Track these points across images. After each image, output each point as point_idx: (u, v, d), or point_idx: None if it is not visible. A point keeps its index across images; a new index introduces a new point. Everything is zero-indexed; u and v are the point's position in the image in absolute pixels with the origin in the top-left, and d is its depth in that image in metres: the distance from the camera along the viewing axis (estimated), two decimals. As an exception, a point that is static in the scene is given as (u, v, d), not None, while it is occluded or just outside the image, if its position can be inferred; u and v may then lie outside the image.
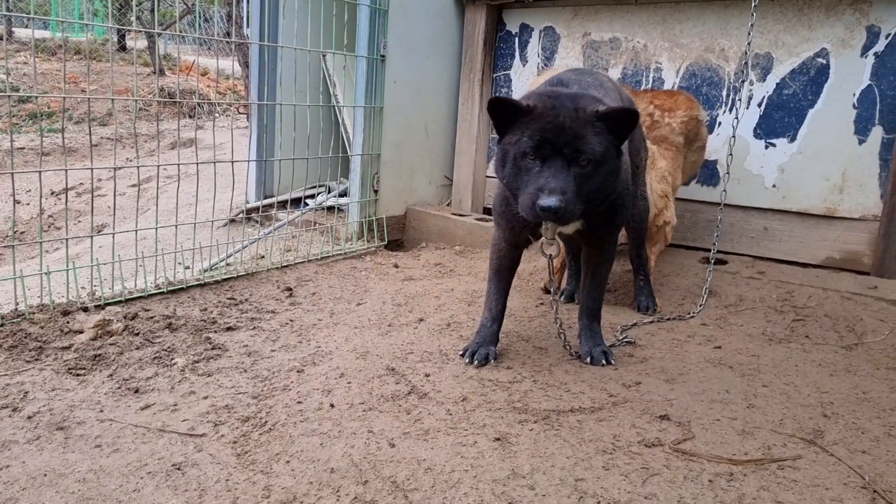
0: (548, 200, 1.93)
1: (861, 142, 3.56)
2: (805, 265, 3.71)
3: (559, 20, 4.40)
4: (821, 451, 1.87)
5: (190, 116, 8.30)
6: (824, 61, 3.62)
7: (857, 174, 3.58)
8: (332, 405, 2.04)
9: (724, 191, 3.20)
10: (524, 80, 4.51)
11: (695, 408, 2.10)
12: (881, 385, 2.34)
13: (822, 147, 3.66)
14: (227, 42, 9.47)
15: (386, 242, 4.24)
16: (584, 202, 2.04)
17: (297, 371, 2.31)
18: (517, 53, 4.59)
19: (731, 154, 3.19)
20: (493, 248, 2.50)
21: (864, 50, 3.53)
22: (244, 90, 6.95)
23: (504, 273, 2.51)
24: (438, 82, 4.61)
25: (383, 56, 4.13)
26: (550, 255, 2.31)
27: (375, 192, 4.29)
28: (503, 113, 2.07)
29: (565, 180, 1.97)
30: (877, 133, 3.52)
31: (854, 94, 3.56)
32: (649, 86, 4.10)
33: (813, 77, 3.66)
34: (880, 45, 3.49)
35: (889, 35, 3.46)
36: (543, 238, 2.26)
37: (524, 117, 2.05)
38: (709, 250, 3.65)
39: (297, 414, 1.99)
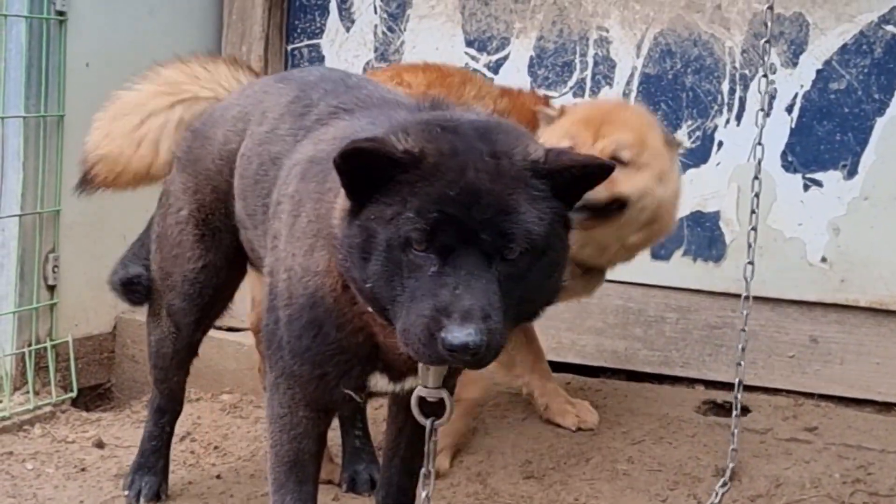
0: (465, 334, 1.68)
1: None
2: (889, 406, 3.43)
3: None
4: None
5: None
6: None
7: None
8: None
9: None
10: (350, 57, 4.13)
11: None
12: None
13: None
14: None
15: (75, 394, 3.65)
16: (513, 321, 1.92)
17: None
18: (334, 6, 4.01)
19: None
20: (282, 421, 2.30)
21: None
22: None
23: (307, 465, 2.35)
24: (178, 62, 4.02)
25: (62, 13, 3.58)
26: (433, 421, 2.04)
27: (51, 288, 3.70)
28: (366, 169, 1.86)
29: (487, 291, 1.79)
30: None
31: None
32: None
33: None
34: None
35: None
36: (417, 389, 2.02)
37: (405, 174, 1.83)
38: (707, 382, 3.61)
39: None
